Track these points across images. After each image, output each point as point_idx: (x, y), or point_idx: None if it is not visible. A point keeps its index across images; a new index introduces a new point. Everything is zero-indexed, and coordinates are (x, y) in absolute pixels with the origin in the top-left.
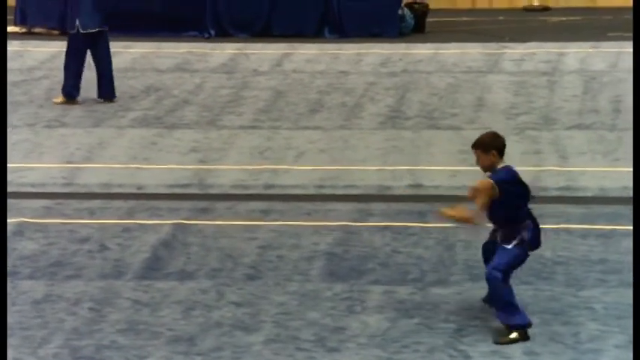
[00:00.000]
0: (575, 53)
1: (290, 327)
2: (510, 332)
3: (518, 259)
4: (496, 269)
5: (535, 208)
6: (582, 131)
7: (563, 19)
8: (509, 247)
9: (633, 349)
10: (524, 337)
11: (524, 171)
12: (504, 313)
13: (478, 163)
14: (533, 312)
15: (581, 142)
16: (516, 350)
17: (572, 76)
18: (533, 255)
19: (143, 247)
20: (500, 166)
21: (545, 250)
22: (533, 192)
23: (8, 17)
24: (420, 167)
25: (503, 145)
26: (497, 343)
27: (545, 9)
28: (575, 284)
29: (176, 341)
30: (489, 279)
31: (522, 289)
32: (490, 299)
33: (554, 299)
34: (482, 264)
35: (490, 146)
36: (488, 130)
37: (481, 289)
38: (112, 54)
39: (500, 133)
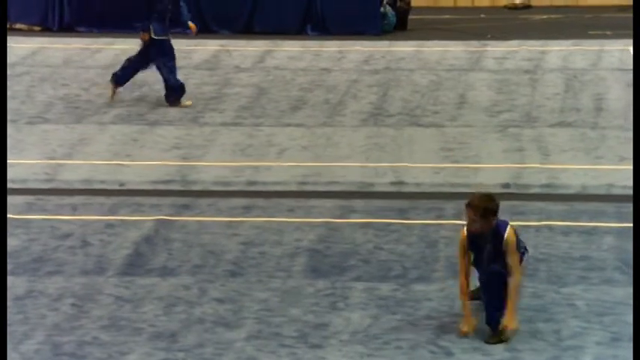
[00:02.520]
0: (556, 51)
1: (272, 323)
2: (501, 332)
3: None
4: (503, 268)
5: (517, 205)
6: (564, 129)
7: (545, 17)
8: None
9: (633, 349)
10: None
11: (506, 168)
12: (499, 312)
13: (473, 224)
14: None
15: (563, 139)
16: (497, 347)
17: (554, 74)
18: None
19: (125, 244)
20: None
21: (527, 248)
22: (516, 190)
23: None
24: (402, 164)
25: (498, 208)
26: (488, 342)
27: (526, 7)
28: (557, 281)
29: (158, 337)
30: (495, 275)
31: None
32: (489, 296)
33: (536, 296)
34: None
35: (490, 212)
36: (483, 193)
37: None
38: (92, 51)
39: (482, 130)
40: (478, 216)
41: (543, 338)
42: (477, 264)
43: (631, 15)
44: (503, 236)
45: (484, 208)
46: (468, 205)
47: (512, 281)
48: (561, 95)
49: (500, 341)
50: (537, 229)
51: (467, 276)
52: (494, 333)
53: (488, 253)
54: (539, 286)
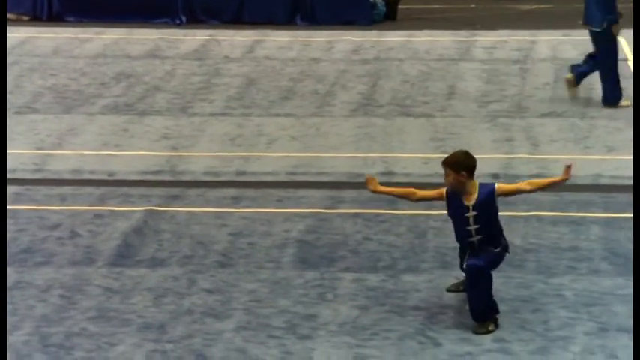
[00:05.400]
0: (546, 41)
1: (261, 314)
2: (487, 323)
3: (499, 262)
4: (481, 261)
5: None
6: (554, 119)
7: (534, 7)
8: (496, 250)
9: (633, 349)
10: (496, 326)
11: (496, 159)
12: (483, 306)
13: (446, 179)
14: (503, 299)
15: (552, 130)
16: (486, 337)
17: (544, 64)
18: None
19: (114, 234)
20: (475, 187)
21: (515, 238)
22: (505, 180)
23: None
24: (392, 155)
25: (474, 167)
26: (475, 332)
27: None
28: (546, 271)
29: (147, 328)
30: (474, 269)
31: (493, 276)
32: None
33: (524, 286)
34: (454, 252)
35: (461, 166)
36: (459, 150)
37: (452, 277)
38: (81, 40)
39: (472, 121)
40: (449, 169)
41: (531, 328)
42: (457, 233)
43: (620, 5)
44: (492, 192)
45: (455, 161)
46: (443, 162)
47: (529, 186)
48: (551, 85)
49: (488, 332)
50: (526, 219)
51: (411, 195)
52: (480, 325)
53: (469, 220)
54: (528, 277)
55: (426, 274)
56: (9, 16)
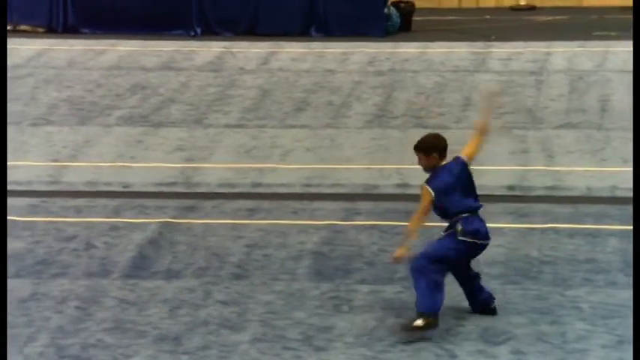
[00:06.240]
0: (561, 52)
1: (277, 326)
2: (419, 318)
3: (451, 250)
4: (421, 257)
5: (522, 207)
6: (569, 130)
7: (550, 18)
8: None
9: (633, 349)
10: (434, 325)
11: (511, 170)
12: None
13: (419, 162)
14: (520, 311)
15: (568, 141)
16: (503, 350)
17: (559, 75)
18: (520, 255)
19: (129, 246)
20: (442, 164)
21: (532, 250)
22: (520, 192)
23: None
24: (407, 166)
25: (445, 147)
26: (405, 329)
27: (531, 8)
28: (562, 284)
29: (162, 340)
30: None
31: (510, 288)
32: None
33: (541, 298)
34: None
35: (431, 149)
36: (429, 133)
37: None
38: (96, 52)
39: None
40: (421, 153)
41: (549, 341)
42: (451, 205)
43: None
44: (464, 164)
45: (425, 145)
46: (414, 147)
47: (479, 140)
48: (566, 97)
49: (418, 328)
50: (542, 231)
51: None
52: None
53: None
54: (544, 289)
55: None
56: (24, 27)
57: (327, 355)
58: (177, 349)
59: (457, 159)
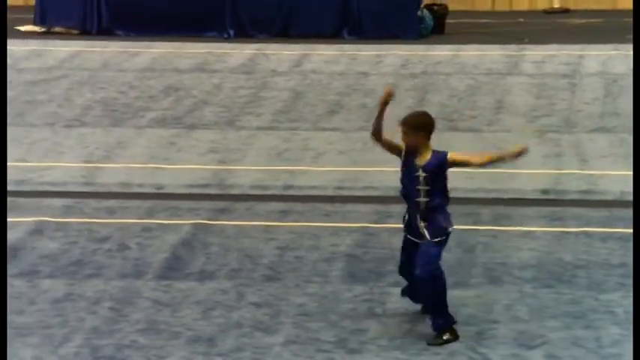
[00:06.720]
0: (595, 56)
1: (310, 328)
2: (442, 333)
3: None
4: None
5: (556, 211)
6: (603, 134)
7: (584, 21)
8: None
9: (633, 349)
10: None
11: (545, 174)
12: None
13: (403, 139)
14: (554, 315)
15: (602, 145)
16: (537, 354)
17: (593, 78)
18: (554, 258)
19: (163, 247)
20: (429, 149)
21: (565, 254)
22: (554, 195)
23: (28, 16)
24: None
25: (433, 128)
26: (430, 344)
27: (565, 11)
28: (596, 288)
29: (196, 341)
30: (421, 281)
31: (543, 292)
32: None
33: (575, 303)
34: (502, 267)
35: (421, 127)
36: (419, 110)
37: (502, 293)
38: (130, 54)
39: (521, 135)
40: (409, 129)
41: (583, 345)
42: (405, 188)
43: None
44: (444, 159)
45: (415, 121)
46: (402, 121)
47: (479, 159)
48: (600, 100)
49: (444, 342)
50: (576, 235)
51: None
52: (436, 336)
53: (419, 179)
54: (578, 293)
55: (475, 289)
56: (58, 29)
57: (361, 357)
58: (211, 351)
59: (441, 152)
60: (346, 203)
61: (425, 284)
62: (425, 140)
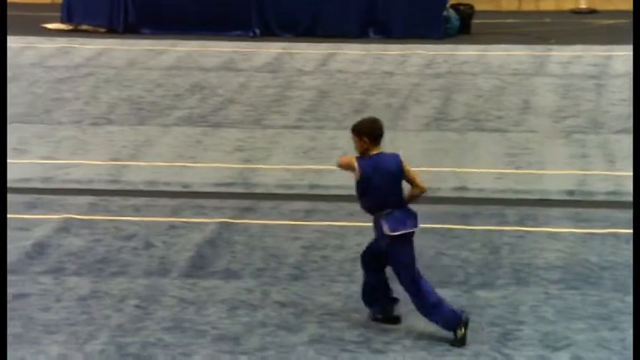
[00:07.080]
0: (622, 56)
1: (334, 328)
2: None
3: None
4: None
5: (582, 212)
6: (630, 135)
7: (611, 21)
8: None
9: (633, 349)
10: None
11: (571, 175)
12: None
13: (355, 144)
14: (580, 317)
15: (628, 146)
16: (563, 355)
17: (620, 79)
18: (580, 260)
19: (188, 246)
20: (374, 152)
21: (591, 255)
22: (581, 197)
23: (55, 14)
24: (465, 169)
25: (379, 133)
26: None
27: (592, 11)
28: (622, 289)
29: (221, 340)
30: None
31: (570, 293)
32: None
33: (602, 304)
34: (528, 268)
35: (363, 132)
36: (369, 116)
37: (528, 294)
38: (156, 52)
39: (547, 136)
40: (354, 135)
41: (609, 347)
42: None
43: None
44: (398, 158)
45: (358, 127)
46: (351, 128)
47: (414, 192)
48: (627, 101)
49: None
50: (602, 236)
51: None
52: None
53: (382, 184)
54: (604, 295)
55: (501, 290)
56: (85, 27)
57: (386, 357)
58: (236, 350)
59: (395, 155)
60: None
61: None
62: (371, 145)
